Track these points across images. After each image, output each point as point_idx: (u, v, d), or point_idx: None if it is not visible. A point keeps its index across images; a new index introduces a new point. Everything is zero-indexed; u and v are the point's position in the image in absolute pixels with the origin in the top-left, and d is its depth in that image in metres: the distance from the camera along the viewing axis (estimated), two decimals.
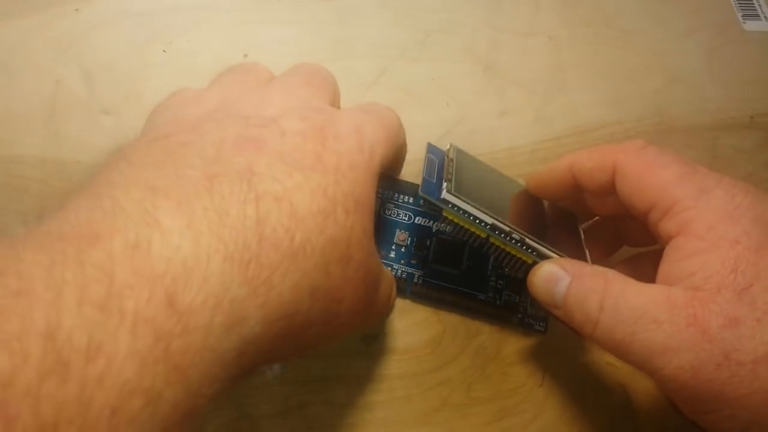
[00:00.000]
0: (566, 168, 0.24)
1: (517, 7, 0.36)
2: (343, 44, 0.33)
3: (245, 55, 0.31)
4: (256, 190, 0.16)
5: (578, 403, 0.26)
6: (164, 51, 0.30)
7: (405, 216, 0.27)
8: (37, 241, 0.13)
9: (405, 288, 0.26)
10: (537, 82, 0.34)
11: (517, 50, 0.35)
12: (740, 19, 0.39)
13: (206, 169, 0.16)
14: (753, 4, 0.40)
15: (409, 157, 0.26)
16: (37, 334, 0.11)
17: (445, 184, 0.23)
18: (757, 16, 0.39)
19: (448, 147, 0.26)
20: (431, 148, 0.25)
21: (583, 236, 0.25)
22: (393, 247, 0.24)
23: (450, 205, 0.22)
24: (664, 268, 0.21)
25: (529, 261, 0.23)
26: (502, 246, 0.23)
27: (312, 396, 0.24)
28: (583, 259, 0.24)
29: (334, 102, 0.22)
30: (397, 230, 0.26)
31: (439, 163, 0.25)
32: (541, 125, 0.33)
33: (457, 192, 0.23)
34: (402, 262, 0.26)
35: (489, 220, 0.23)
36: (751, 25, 0.39)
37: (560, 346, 0.27)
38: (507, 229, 0.23)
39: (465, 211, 0.23)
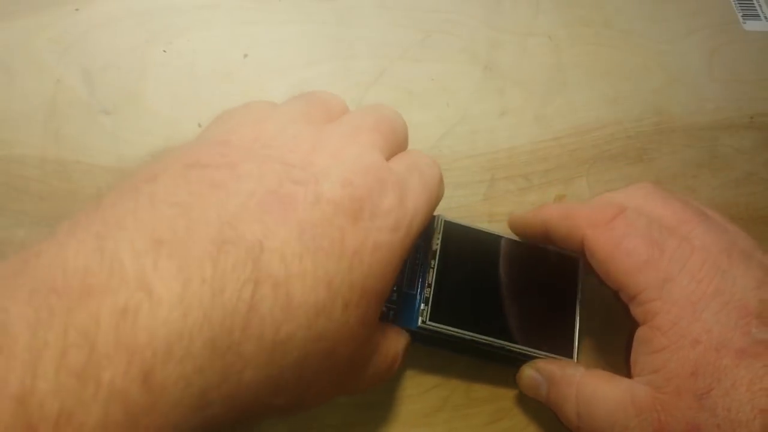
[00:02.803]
0: (540, 225, 0.25)
1: (517, 7, 0.36)
2: (343, 44, 0.33)
3: (245, 55, 0.31)
4: (258, 271, 0.15)
5: None
6: (164, 51, 0.30)
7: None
8: (28, 288, 0.13)
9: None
10: (537, 82, 0.34)
11: (517, 50, 0.35)
12: (740, 19, 0.39)
13: (220, 230, 0.15)
14: (753, 4, 0.40)
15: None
16: (9, 396, 0.11)
17: (421, 308, 0.23)
18: (757, 16, 0.39)
19: (435, 221, 0.25)
20: None
21: (580, 296, 0.25)
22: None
23: (428, 331, 0.23)
24: (633, 356, 0.22)
25: (515, 352, 0.24)
26: (485, 348, 0.24)
27: None
28: (571, 335, 0.25)
29: (400, 149, 0.22)
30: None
31: (422, 252, 0.24)
32: (541, 125, 0.33)
33: (434, 319, 0.23)
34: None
35: (468, 337, 0.23)
36: (751, 25, 0.39)
37: None
38: (486, 341, 0.23)
39: (443, 333, 0.23)
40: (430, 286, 0.23)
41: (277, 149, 0.18)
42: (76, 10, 0.30)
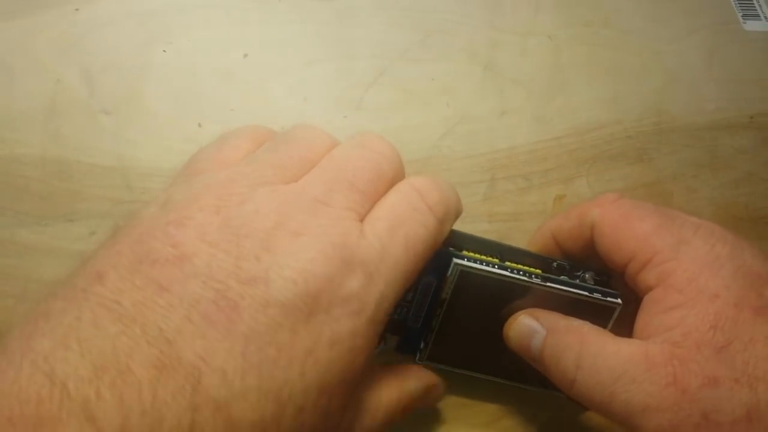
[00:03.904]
0: (549, 237, 0.25)
1: (517, 7, 0.36)
2: (343, 44, 0.33)
3: (245, 55, 0.31)
4: (198, 396, 0.15)
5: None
6: (164, 51, 0.30)
7: None
8: None
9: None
10: (536, 82, 0.34)
11: (517, 50, 0.35)
12: (740, 19, 0.39)
13: (161, 351, 0.15)
14: (753, 4, 0.40)
15: (408, 156, 0.26)
16: None
17: (421, 347, 0.23)
18: (757, 16, 0.39)
19: (451, 267, 0.22)
20: (433, 264, 0.21)
21: None
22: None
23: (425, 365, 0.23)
24: (643, 319, 0.21)
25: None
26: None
27: None
28: None
29: (388, 188, 0.20)
30: None
31: (434, 290, 0.22)
32: (541, 125, 0.33)
33: (432, 359, 0.23)
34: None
35: (467, 374, 0.23)
36: (751, 25, 0.39)
37: None
38: (486, 378, 0.24)
39: (441, 369, 0.23)
40: (432, 331, 0.23)
41: (233, 230, 0.17)
42: (76, 10, 0.30)
